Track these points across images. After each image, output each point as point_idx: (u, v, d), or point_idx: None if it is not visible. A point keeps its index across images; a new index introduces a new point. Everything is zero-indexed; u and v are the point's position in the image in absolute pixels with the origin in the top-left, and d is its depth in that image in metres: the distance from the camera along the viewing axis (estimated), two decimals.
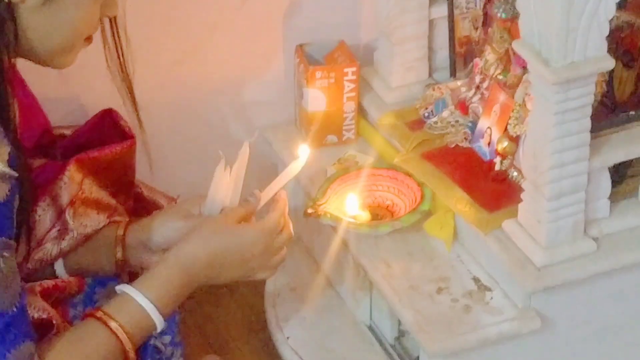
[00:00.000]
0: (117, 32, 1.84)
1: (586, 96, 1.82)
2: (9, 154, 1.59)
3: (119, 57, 1.86)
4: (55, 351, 1.68)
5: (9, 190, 1.59)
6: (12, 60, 1.71)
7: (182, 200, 1.97)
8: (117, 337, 1.72)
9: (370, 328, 2.18)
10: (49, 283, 1.83)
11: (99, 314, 1.73)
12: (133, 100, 1.92)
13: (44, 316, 1.74)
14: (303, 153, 1.94)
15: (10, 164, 1.59)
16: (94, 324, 1.73)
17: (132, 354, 1.73)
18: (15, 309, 1.61)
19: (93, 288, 1.93)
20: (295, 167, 1.92)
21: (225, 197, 1.87)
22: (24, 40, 1.67)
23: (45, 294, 1.80)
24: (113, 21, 1.82)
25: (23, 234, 1.72)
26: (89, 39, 1.76)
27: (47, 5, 1.65)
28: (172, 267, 1.80)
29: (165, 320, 1.77)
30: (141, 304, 1.75)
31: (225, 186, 1.88)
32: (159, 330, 1.77)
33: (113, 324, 1.72)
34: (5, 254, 1.59)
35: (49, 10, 1.66)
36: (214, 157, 1.90)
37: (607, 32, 1.79)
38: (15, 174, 1.59)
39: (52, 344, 1.69)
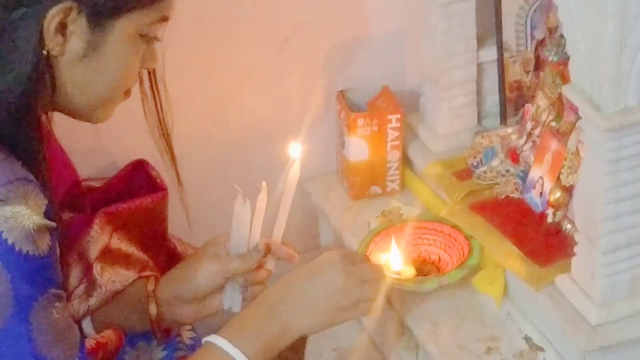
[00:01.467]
0: (156, 85, 1.85)
1: None
2: (45, 206, 1.61)
3: (157, 111, 1.88)
4: None
5: (49, 241, 1.61)
6: (49, 114, 1.74)
7: (205, 244, 1.96)
8: None
9: None
10: (90, 342, 1.85)
11: None
12: (172, 154, 1.92)
13: None
14: (295, 153, 1.92)
15: (47, 216, 1.61)
16: None
17: None
18: (77, 358, 1.63)
19: (123, 348, 1.94)
20: (293, 176, 1.92)
21: (248, 233, 1.89)
22: (62, 94, 1.70)
23: (90, 354, 1.81)
24: (152, 73, 1.84)
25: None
26: (127, 92, 1.78)
27: (87, 58, 1.67)
28: (261, 309, 1.81)
29: None
30: (231, 354, 1.75)
31: (246, 222, 1.89)
32: None
33: None
34: (57, 304, 1.61)
35: (89, 63, 1.68)
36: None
37: None
38: (54, 225, 1.62)
39: None
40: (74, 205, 1.99)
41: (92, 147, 2.19)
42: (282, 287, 1.84)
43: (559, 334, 1.95)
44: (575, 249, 1.91)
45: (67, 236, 1.90)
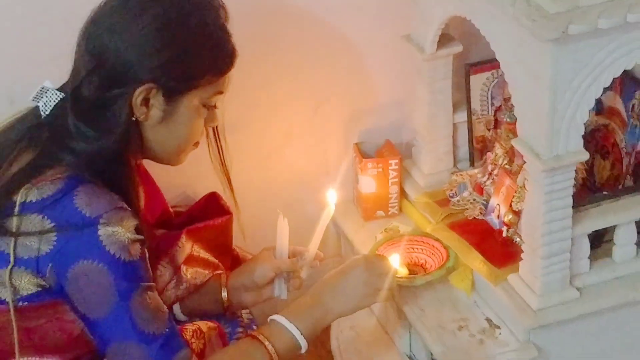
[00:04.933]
0: (219, 137, 1.85)
1: (568, 180, 1.80)
2: (135, 225, 1.63)
3: (220, 156, 1.88)
4: (221, 358, 1.71)
5: (140, 250, 1.62)
6: (138, 161, 1.76)
7: (261, 251, 1.97)
8: (270, 356, 1.73)
9: (410, 357, 2.15)
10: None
11: (260, 337, 1.73)
12: (230, 187, 1.93)
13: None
14: (332, 199, 1.92)
15: (137, 232, 1.63)
16: (253, 343, 1.73)
17: None
18: (167, 329, 1.64)
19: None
20: (327, 214, 1.91)
21: (287, 242, 1.91)
22: (147, 147, 1.72)
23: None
24: (215, 128, 1.84)
25: None
26: (197, 144, 1.79)
27: (165, 122, 1.69)
28: (310, 298, 1.81)
29: (308, 344, 1.77)
30: (289, 329, 1.76)
31: (285, 234, 1.90)
32: (303, 351, 1.77)
33: (269, 346, 1.73)
34: (149, 293, 1.63)
35: (166, 125, 1.70)
36: (291, 228, 1.93)
37: (582, 132, 1.78)
38: (142, 237, 1.63)
39: (218, 355, 1.72)
40: (165, 224, 2.00)
41: (177, 183, 2.18)
42: (324, 283, 1.84)
43: (511, 316, 1.95)
44: (523, 256, 1.92)
45: (161, 246, 1.91)
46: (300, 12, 2.17)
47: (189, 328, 1.81)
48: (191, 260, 1.95)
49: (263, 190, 2.31)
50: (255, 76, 2.16)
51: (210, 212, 2.04)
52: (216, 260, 2.00)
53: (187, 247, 1.95)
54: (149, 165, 1.88)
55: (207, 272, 1.96)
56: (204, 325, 1.84)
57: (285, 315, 1.79)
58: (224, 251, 2.04)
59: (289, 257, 1.94)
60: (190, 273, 1.94)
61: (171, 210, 2.05)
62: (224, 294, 1.93)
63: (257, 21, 2.12)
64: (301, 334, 1.77)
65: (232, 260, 2.06)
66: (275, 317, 1.79)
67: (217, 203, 2.06)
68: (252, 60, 2.12)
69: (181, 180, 2.17)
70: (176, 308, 1.94)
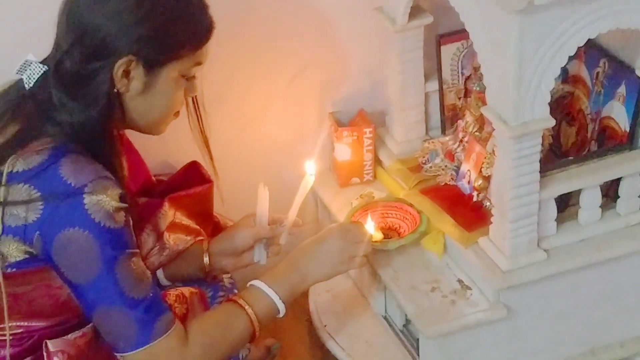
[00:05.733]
0: (198, 107, 1.86)
1: (535, 146, 1.81)
2: (120, 194, 1.64)
3: (199, 125, 1.88)
4: (201, 319, 1.72)
5: (125, 217, 1.63)
6: (121, 131, 1.76)
7: (242, 218, 1.98)
8: (251, 320, 1.74)
9: (385, 318, 2.18)
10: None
11: (241, 301, 1.75)
12: (210, 155, 1.93)
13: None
14: (310, 169, 1.91)
15: (122, 200, 1.64)
16: (234, 307, 1.75)
17: (258, 333, 1.75)
18: (151, 294, 1.65)
19: None
20: (306, 184, 1.91)
21: (267, 211, 1.91)
22: (129, 118, 1.73)
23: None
24: (194, 99, 1.84)
25: None
26: (177, 114, 1.79)
27: (145, 93, 1.70)
28: (287, 264, 1.82)
29: (286, 307, 1.79)
30: (268, 294, 1.78)
31: (266, 203, 1.91)
32: (281, 314, 1.78)
33: (249, 310, 1.75)
34: (133, 259, 1.64)
35: (147, 96, 1.71)
36: (270, 195, 1.92)
37: (548, 99, 1.78)
38: (126, 205, 1.64)
39: (199, 319, 1.72)
40: (148, 193, 2.00)
41: (159, 152, 2.16)
42: (301, 250, 1.86)
43: (481, 277, 1.97)
44: (492, 219, 1.93)
45: (144, 214, 1.92)
46: None
47: (172, 293, 1.82)
48: (173, 227, 1.96)
49: (242, 158, 2.30)
50: (232, 49, 2.16)
51: (191, 181, 2.04)
52: (198, 227, 2.01)
53: (169, 214, 1.96)
54: (132, 135, 1.89)
55: (189, 238, 1.97)
56: (186, 290, 1.85)
57: (265, 280, 1.81)
58: (205, 218, 2.05)
59: (268, 225, 1.95)
60: (172, 239, 1.94)
61: (153, 179, 2.05)
62: (206, 259, 1.94)
63: None
64: (279, 299, 1.79)
65: (213, 227, 2.07)
66: (255, 282, 1.81)
67: (197, 171, 2.05)
68: (229, 33, 2.11)
69: (163, 149, 2.15)
70: (159, 273, 1.95)
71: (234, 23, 2.14)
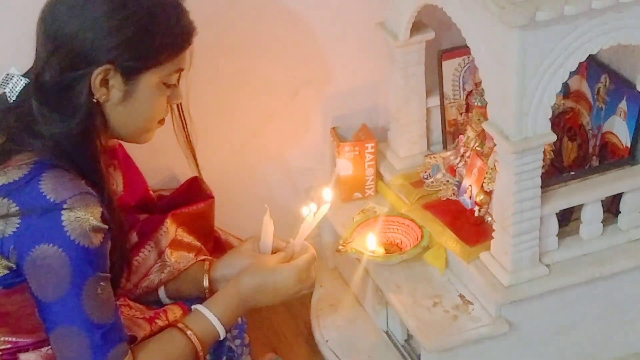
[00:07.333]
0: (183, 114, 1.82)
1: (536, 161, 1.81)
2: (102, 212, 1.59)
3: (184, 131, 1.85)
4: (146, 349, 1.68)
5: (102, 238, 1.59)
6: (104, 142, 1.71)
7: (246, 240, 1.95)
8: (192, 342, 1.72)
9: (387, 333, 2.17)
10: (150, 313, 1.81)
11: (180, 325, 1.73)
12: (195, 161, 1.90)
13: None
14: (327, 196, 1.88)
15: (104, 219, 1.59)
16: (175, 332, 1.73)
17: (202, 355, 1.73)
18: (112, 320, 1.62)
19: None
20: (322, 211, 1.87)
21: (271, 239, 1.88)
22: (111, 127, 1.69)
23: (154, 318, 1.79)
24: (179, 106, 1.80)
25: (125, 269, 1.74)
26: (161, 122, 1.75)
27: (126, 101, 1.66)
28: (232, 291, 1.79)
29: (227, 331, 1.76)
30: (209, 318, 1.75)
31: (270, 231, 1.88)
32: (221, 338, 1.76)
33: (189, 332, 1.72)
34: (102, 283, 1.60)
35: (128, 105, 1.67)
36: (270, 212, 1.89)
37: (550, 115, 1.78)
38: (106, 227, 1.59)
39: (143, 345, 1.69)
40: (147, 208, 1.98)
41: (160, 166, 2.15)
42: (253, 283, 1.80)
43: (483, 292, 1.96)
44: (494, 234, 1.93)
45: (145, 230, 1.90)
46: None
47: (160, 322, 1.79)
48: (175, 244, 1.93)
49: (243, 173, 2.30)
50: (234, 64, 2.16)
51: (192, 196, 2.02)
52: (199, 243, 1.98)
53: (171, 231, 1.93)
54: (130, 149, 1.87)
55: (190, 255, 1.94)
56: (177, 309, 1.84)
57: (207, 305, 1.78)
58: (207, 234, 2.02)
59: (272, 253, 1.91)
60: (174, 257, 1.92)
61: (152, 194, 2.03)
62: (205, 283, 1.91)
63: (236, 9, 2.11)
64: (220, 323, 1.76)
65: (214, 243, 2.05)
66: (198, 306, 1.78)
67: (198, 187, 2.03)
68: (232, 49, 2.13)
69: (166, 162, 2.15)
70: (161, 292, 1.93)
71: (237, 38, 2.14)
